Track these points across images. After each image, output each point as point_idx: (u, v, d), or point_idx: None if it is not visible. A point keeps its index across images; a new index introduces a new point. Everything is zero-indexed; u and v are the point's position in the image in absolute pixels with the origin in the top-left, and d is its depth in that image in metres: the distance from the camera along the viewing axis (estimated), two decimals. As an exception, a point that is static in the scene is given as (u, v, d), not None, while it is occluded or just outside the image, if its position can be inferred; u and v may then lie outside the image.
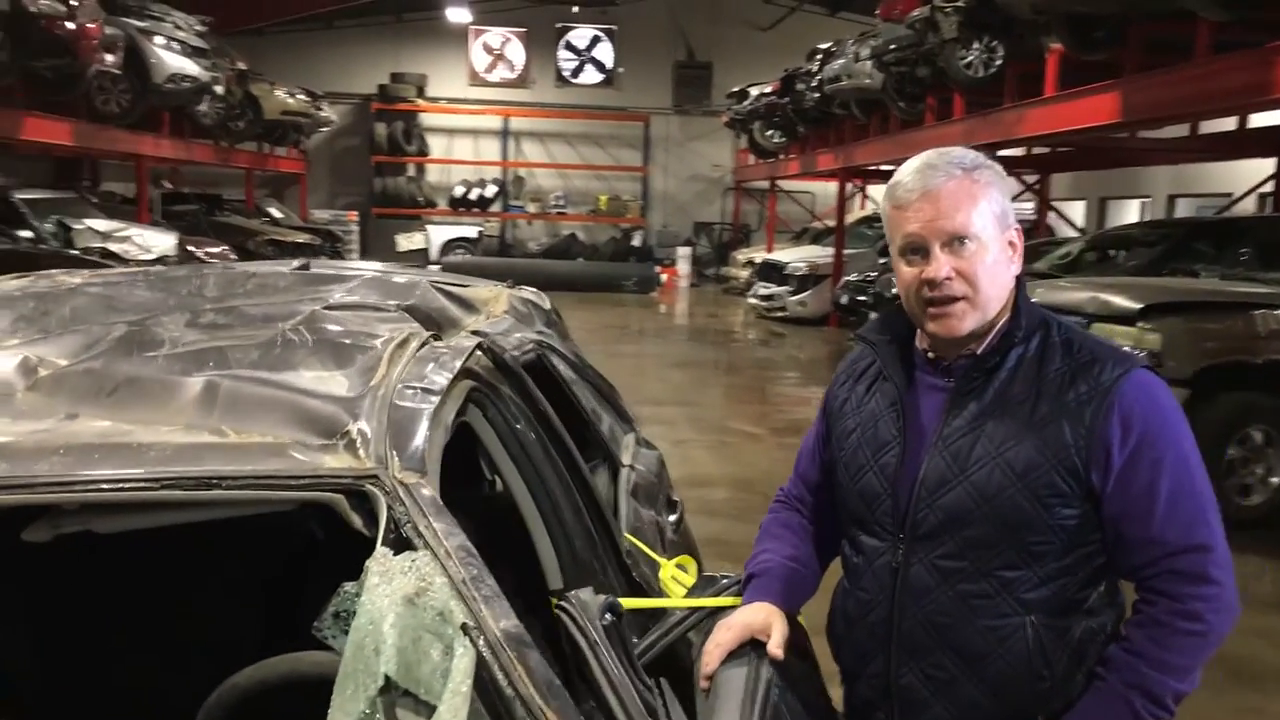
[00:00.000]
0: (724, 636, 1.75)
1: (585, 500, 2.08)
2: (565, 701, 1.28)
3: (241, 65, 16.61)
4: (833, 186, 19.39)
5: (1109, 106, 8.68)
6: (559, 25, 26.71)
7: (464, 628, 1.20)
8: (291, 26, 24.29)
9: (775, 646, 1.72)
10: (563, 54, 26.99)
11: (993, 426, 1.69)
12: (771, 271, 18.34)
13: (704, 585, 2.01)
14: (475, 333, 2.21)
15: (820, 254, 18.05)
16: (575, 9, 26.11)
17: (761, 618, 1.77)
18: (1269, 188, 12.68)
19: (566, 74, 27.09)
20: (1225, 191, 14.91)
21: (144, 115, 13.33)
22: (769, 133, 20.89)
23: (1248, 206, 13.51)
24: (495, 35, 26.73)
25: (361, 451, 1.45)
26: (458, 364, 1.81)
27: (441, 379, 1.72)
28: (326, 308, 2.05)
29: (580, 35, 26.95)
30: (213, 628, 2.30)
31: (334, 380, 1.66)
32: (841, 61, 14.58)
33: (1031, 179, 17.06)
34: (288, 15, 23.13)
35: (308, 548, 2.29)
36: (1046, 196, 17.31)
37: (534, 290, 3.17)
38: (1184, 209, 17.59)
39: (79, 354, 1.79)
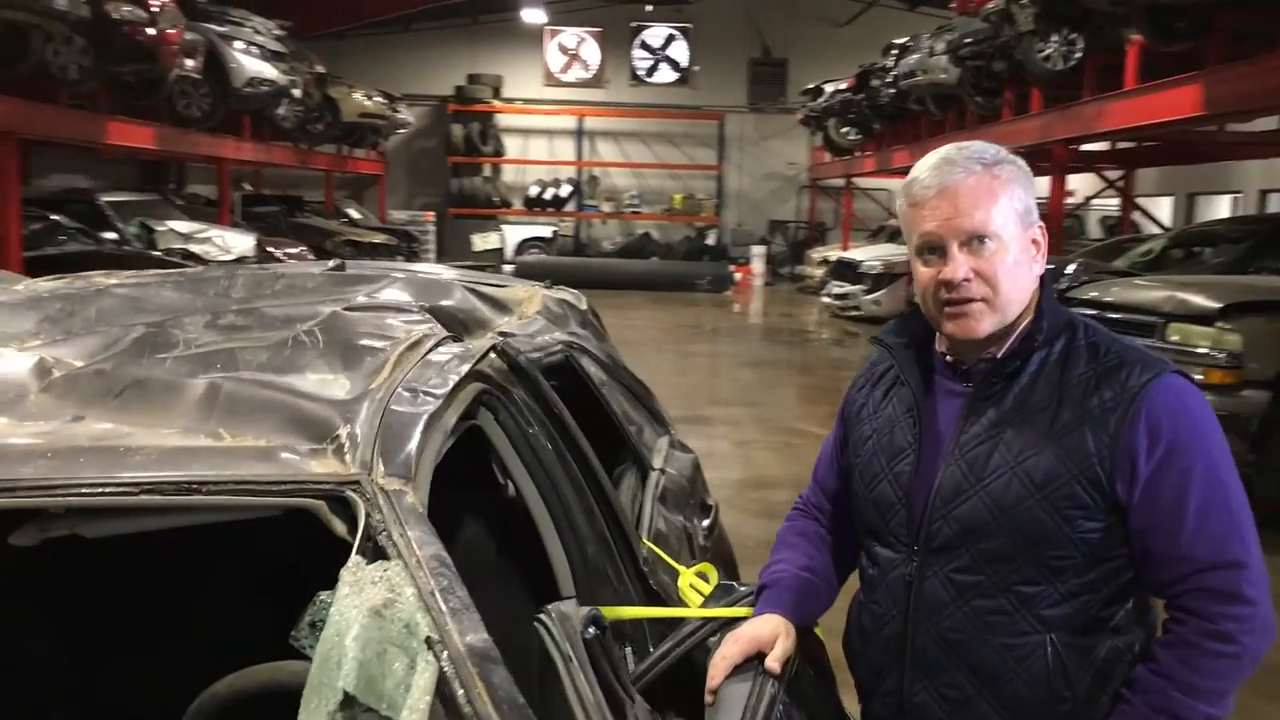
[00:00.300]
0: (730, 650, 1.68)
1: (601, 505, 2.02)
2: None
3: (320, 68, 16.83)
4: (909, 184, 19.05)
5: (1191, 99, 8.42)
6: (634, 24, 26.70)
7: (428, 641, 1.16)
8: (370, 30, 24.64)
9: (773, 660, 1.65)
10: (637, 53, 26.98)
11: (1011, 434, 1.61)
12: (846, 270, 18.07)
13: (721, 594, 1.96)
14: (500, 334, 2.19)
15: (895, 252, 17.68)
16: (650, 8, 26.03)
17: (769, 630, 1.70)
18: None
19: (641, 73, 27.06)
20: (1320, 186, 14.38)
21: (225, 119, 13.61)
22: (844, 130, 20.67)
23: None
24: (570, 35, 26.81)
25: (348, 456, 1.42)
26: (466, 367, 1.77)
27: (446, 382, 1.69)
28: (348, 309, 2.03)
29: (655, 34, 26.90)
30: (220, 628, 2.30)
31: (336, 383, 1.64)
32: (917, 56, 14.33)
33: (1115, 175, 16.62)
34: (365, 19, 23.45)
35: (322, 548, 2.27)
36: (1130, 192, 16.85)
37: (571, 291, 3.14)
38: (1276, 204, 16.98)
39: (95, 355, 1.79)
